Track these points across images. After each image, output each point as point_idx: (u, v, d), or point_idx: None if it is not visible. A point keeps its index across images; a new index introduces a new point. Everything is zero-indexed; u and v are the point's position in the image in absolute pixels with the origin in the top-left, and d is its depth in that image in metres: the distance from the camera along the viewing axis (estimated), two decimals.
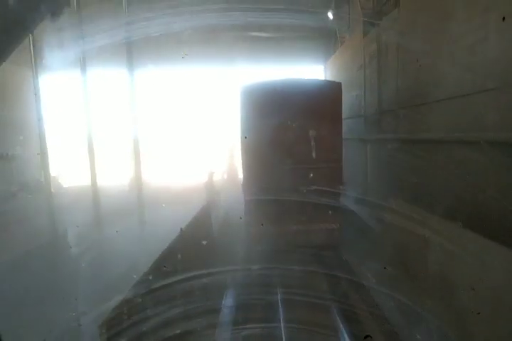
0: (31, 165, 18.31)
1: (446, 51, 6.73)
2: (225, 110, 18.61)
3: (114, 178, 18.89)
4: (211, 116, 18.74)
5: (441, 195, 6.29)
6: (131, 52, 9.05)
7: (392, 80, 9.55)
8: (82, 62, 8.82)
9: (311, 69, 19.43)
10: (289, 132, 8.31)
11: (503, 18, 5.17)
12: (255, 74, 19.23)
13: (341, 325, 5.63)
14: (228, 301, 6.33)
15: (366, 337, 5.15)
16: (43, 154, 8.99)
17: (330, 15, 16.31)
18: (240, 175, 15.93)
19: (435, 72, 7.11)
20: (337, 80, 15.50)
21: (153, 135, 19.38)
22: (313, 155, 8.34)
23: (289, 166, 8.21)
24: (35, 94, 8.86)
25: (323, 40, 18.56)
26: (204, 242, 7.12)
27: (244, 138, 8.74)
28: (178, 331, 5.03)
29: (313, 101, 8.43)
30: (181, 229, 6.85)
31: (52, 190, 17.70)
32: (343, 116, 14.14)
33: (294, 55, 18.33)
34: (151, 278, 5.23)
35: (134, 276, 5.18)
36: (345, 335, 5.45)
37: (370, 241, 8.08)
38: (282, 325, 5.60)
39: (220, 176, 16.77)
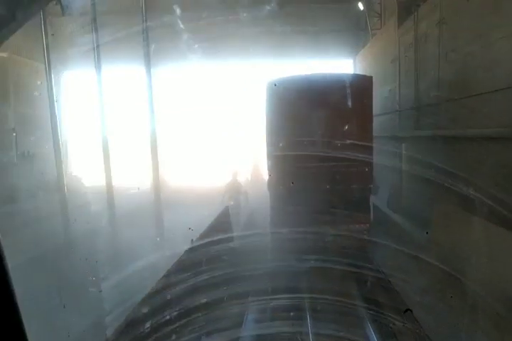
0: (52, 164, 18.04)
1: (501, 35, 5.84)
2: (250, 106, 17.90)
3: (136, 178, 18.48)
4: (234, 114, 18.06)
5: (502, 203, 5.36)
6: (148, 47, 8.36)
7: (432, 71, 8.65)
8: (97, 58, 8.22)
9: (340, 64, 18.52)
10: (316, 129, 7.94)
11: None
12: (281, 68, 18.48)
13: None
14: None
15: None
16: (56, 152, 8.43)
17: (361, 5, 15.42)
18: (265, 176, 15.22)
19: (488, 58, 6.23)
20: (368, 74, 14.60)
21: (173, 134, 18.82)
22: (342, 152, 7.75)
23: (315, 164, 7.74)
24: (48, 91, 8.31)
25: (352, 32, 17.64)
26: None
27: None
28: None
29: (342, 96, 8.01)
30: (192, 240, 6.07)
31: (70, 190, 17.40)
32: (375, 112, 13.31)
33: (322, 48, 17.44)
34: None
35: None
36: None
37: None
38: None
39: (244, 177, 15.95)
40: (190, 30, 15.56)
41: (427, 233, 7.16)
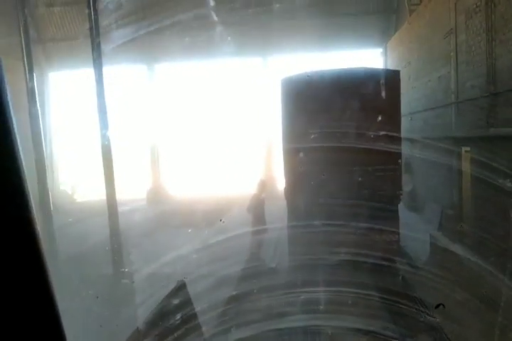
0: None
1: None
2: (261, 106, 15.14)
3: (132, 189, 15.68)
4: (244, 114, 15.29)
5: None
6: (99, 46, 5.88)
7: None
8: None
9: (366, 54, 15.39)
10: (336, 130, 6.88)
11: None
12: (299, 62, 15.58)
13: None
14: None
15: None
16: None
17: None
18: (278, 183, 12.57)
19: None
20: (405, 61, 11.52)
21: (177, 138, 16.09)
22: (366, 156, 6.92)
23: (337, 168, 7.01)
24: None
25: (380, 16, 14.48)
26: None
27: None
28: None
29: (365, 94, 7.13)
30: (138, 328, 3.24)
31: (55, 207, 14.73)
32: (418, 108, 10.34)
33: (345, 37, 14.39)
34: None
35: None
36: None
37: None
38: None
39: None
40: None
41: None
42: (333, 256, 6.54)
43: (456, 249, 7.15)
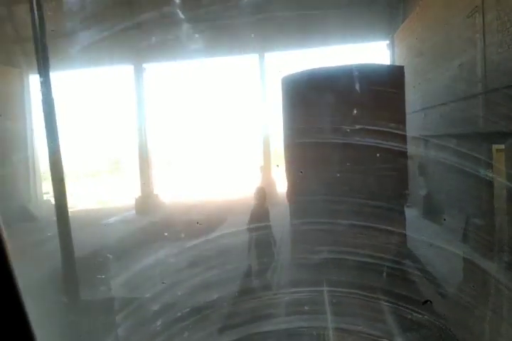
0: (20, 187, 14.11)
1: None
2: (257, 106, 13.96)
3: (123, 197, 14.47)
4: (240, 114, 14.13)
5: None
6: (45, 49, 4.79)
7: None
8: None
9: (371, 47, 14.18)
10: (338, 130, 6.63)
11: None
12: (299, 59, 14.45)
13: None
14: None
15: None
16: None
17: None
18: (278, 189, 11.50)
19: None
20: (416, 52, 10.24)
21: (169, 141, 14.88)
22: (370, 155, 6.60)
23: (340, 168, 6.68)
24: None
25: (386, 5, 13.18)
26: None
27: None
28: None
29: (366, 91, 6.78)
30: None
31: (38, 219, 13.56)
32: (431, 102, 9.09)
33: (347, 30, 13.11)
34: None
35: None
36: None
37: None
38: None
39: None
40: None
41: None
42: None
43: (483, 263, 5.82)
